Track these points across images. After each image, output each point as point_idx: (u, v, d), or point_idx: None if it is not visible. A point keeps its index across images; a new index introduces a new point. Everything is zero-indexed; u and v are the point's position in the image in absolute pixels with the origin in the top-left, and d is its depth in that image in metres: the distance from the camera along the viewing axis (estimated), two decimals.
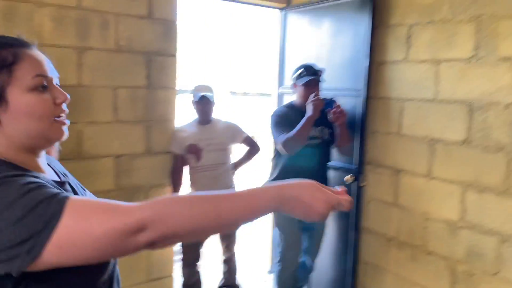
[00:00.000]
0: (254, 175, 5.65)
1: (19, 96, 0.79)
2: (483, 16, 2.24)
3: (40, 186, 0.72)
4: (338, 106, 2.59)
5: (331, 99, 2.59)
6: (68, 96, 0.86)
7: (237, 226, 0.81)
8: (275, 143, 2.73)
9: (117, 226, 0.71)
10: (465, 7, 2.31)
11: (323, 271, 3.10)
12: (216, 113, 2.97)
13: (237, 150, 3.12)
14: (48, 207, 0.69)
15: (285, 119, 2.67)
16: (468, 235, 2.37)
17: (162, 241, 0.74)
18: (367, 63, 2.74)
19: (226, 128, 2.98)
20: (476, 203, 2.32)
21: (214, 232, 0.83)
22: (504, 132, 2.19)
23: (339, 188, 0.86)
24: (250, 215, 0.78)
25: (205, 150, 2.83)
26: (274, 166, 2.84)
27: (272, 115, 2.75)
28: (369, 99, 2.80)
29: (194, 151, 2.81)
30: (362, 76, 2.77)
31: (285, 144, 2.56)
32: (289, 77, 3.27)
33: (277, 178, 2.75)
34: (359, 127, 2.82)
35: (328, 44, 3.05)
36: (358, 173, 2.86)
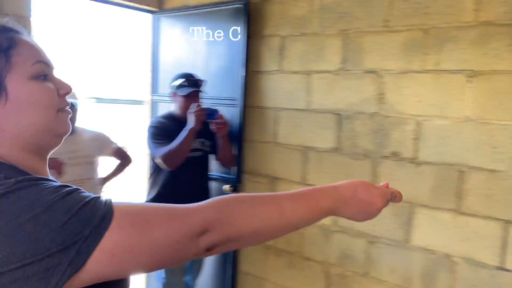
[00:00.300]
0: (125, 190, 5.28)
1: (20, 85, 0.69)
2: (349, 31, 2.38)
3: (78, 189, 0.63)
4: (221, 117, 2.51)
5: (213, 109, 2.50)
6: (72, 88, 0.78)
7: (297, 228, 0.75)
8: (154, 157, 2.53)
9: (181, 227, 0.64)
10: (333, 22, 2.44)
11: (202, 283, 2.98)
12: (81, 122, 2.66)
13: (106, 163, 2.84)
14: (95, 209, 0.60)
15: (164, 131, 2.49)
16: (340, 238, 2.49)
17: (224, 244, 0.68)
18: (243, 72, 2.73)
19: (93, 138, 2.69)
20: None
21: (275, 235, 0.75)
22: (369, 140, 2.35)
23: (382, 183, 0.85)
24: (311, 217, 0.75)
25: (68, 164, 2.50)
26: (153, 183, 2.62)
27: (149, 127, 2.55)
28: (246, 108, 2.79)
29: (55, 165, 2.47)
30: (239, 86, 2.75)
31: (166, 158, 2.39)
32: (163, 84, 3.10)
33: (158, 195, 2.55)
34: (236, 136, 2.79)
35: (204, 52, 2.97)
36: (237, 182, 2.82)
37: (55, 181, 0.65)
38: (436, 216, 2.14)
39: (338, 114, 2.46)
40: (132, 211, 0.63)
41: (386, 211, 2.30)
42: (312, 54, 2.55)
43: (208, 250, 0.68)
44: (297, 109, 2.63)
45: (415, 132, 2.19)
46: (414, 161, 2.20)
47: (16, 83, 0.69)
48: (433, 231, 2.16)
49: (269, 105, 2.76)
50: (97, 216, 0.59)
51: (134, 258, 0.61)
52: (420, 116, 2.17)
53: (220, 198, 0.70)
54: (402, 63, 2.20)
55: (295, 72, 2.63)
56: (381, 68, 2.28)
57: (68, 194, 0.60)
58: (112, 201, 0.63)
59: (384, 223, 2.31)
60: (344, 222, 2.46)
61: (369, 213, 0.80)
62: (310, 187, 0.78)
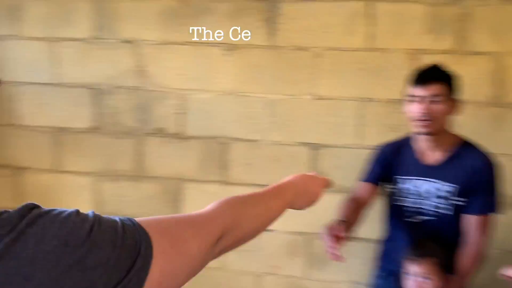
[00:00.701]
0: None
1: None
2: None
3: (96, 213, 0.52)
4: None
5: None
6: None
7: (273, 222, 0.78)
8: None
9: (206, 237, 0.61)
10: None
11: None
12: None
13: None
14: (132, 235, 0.50)
15: None
16: None
17: (230, 247, 0.68)
18: None
19: None
20: (112, 191, 2.23)
21: (262, 231, 0.74)
22: (131, 116, 2.17)
23: (312, 172, 0.93)
24: (282, 211, 0.79)
25: None
26: None
27: None
28: None
29: None
30: None
31: None
32: None
33: None
34: None
35: None
36: None
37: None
38: (204, 189, 2.15)
39: (95, 88, 2.17)
40: (162, 228, 0.56)
41: (152, 191, 2.19)
42: (58, 18, 2.16)
43: (218, 255, 0.66)
44: (43, 84, 2.21)
45: (180, 106, 2.12)
46: (180, 136, 2.14)
47: None
48: (202, 204, 2.13)
49: (3, 78, 2.23)
50: (139, 243, 0.51)
51: (176, 281, 0.56)
52: (184, 90, 2.11)
53: (224, 201, 0.69)
54: (162, 34, 2.09)
55: (37, 39, 2.19)
56: (140, 38, 2.11)
57: (99, 222, 0.50)
58: (134, 219, 0.55)
59: (152, 203, 2.19)
60: (111, 207, 2.23)
61: (313, 201, 0.88)
62: (274, 184, 0.81)
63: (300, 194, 0.84)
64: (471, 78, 1.91)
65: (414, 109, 1.51)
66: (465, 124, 1.90)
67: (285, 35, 1.99)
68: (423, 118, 1.48)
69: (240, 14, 2.00)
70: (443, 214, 1.55)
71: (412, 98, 1.52)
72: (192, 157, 2.13)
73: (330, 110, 2.01)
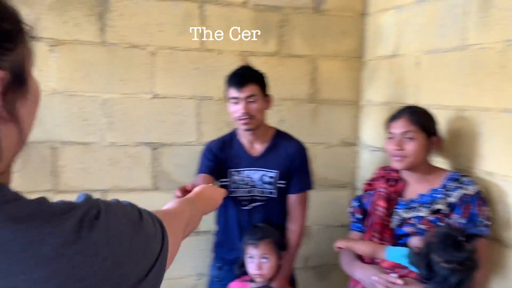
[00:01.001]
0: None
1: (33, 78, 0.57)
2: None
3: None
4: None
5: None
6: None
7: None
8: None
9: (183, 223, 0.77)
10: None
11: None
12: None
13: None
14: (154, 218, 0.63)
15: None
16: None
17: (186, 237, 0.81)
18: None
19: None
20: None
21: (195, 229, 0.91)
22: None
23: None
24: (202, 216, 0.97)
25: None
26: None
27: None
28: None
29: None
30: None
31: None
32: None
33: None
34: None
35: None
36: None
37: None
38: None
39: None
40: (163, 218, 0.65)
41: None
42: None
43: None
44: None
45: None
46: None
47: (32, 75, 0.57)
48: None
49: None
50: (161, 225, 0.63)
51: (170, 262, 0.65)
52: None
53: (183, 200, 0.89)
54: None
55: None
56: None
57: (138, 206, 0.62)
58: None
59: None
60: None
61: (215, 207, 1.08)
62: (191, 194, 1.00)
63: (208, 202, 1.03)
64: (292, 78, 2.16)
65: (235, 109, 1.66)
66: (288, 119, 2.16)
67: (118, 32, 1.92)
68: (243, 117, 1.64)
69: (66, 7, 1.85)
70: (271, 198, 1.75)
71: (232, 100, 1.66)
72: (16, 166, 1.89)
73: (169, 109, 2.02)
